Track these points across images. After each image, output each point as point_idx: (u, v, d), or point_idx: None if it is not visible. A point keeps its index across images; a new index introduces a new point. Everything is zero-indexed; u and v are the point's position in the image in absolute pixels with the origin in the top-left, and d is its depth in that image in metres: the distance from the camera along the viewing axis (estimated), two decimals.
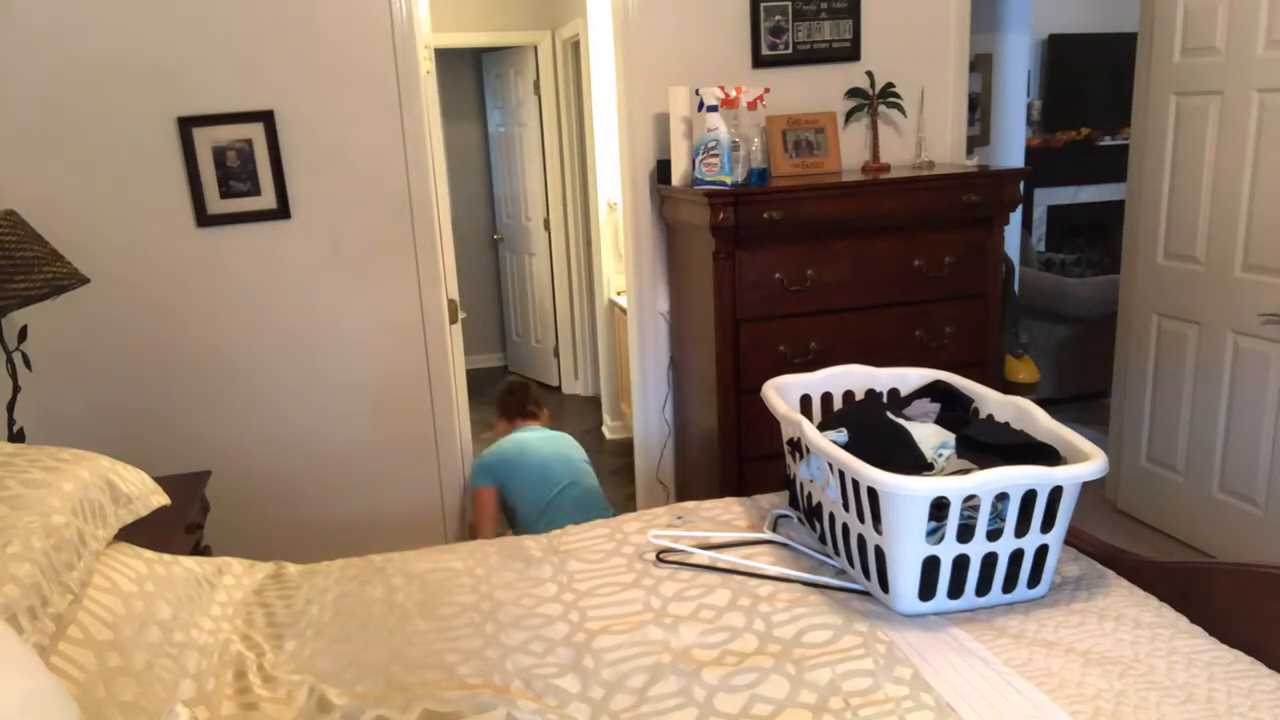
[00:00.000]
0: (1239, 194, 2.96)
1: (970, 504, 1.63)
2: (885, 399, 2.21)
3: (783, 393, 2.14)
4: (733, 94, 2.81)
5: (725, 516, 2.13)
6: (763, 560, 1.90)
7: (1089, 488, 3.67)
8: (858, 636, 1.61)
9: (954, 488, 1.57)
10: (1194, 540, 3.27)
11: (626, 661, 1.57)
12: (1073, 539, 1.95)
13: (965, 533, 1.63)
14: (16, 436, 2.41)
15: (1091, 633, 1.58)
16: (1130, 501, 3.54)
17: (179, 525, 2.19)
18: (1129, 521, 3.52)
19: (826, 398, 2.27)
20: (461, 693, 1.47)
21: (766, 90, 2.90)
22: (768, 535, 2.00)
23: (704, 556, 1.92)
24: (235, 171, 2.89)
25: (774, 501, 2.19)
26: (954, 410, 2.06)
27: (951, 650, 1.56)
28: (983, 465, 1.72)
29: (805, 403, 2.23)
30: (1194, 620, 1.63)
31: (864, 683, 1.47)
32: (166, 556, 1.79)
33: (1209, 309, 3.12)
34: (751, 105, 2.87)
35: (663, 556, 1.93)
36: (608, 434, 5.01)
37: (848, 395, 2.25)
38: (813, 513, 1.95)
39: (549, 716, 1.42)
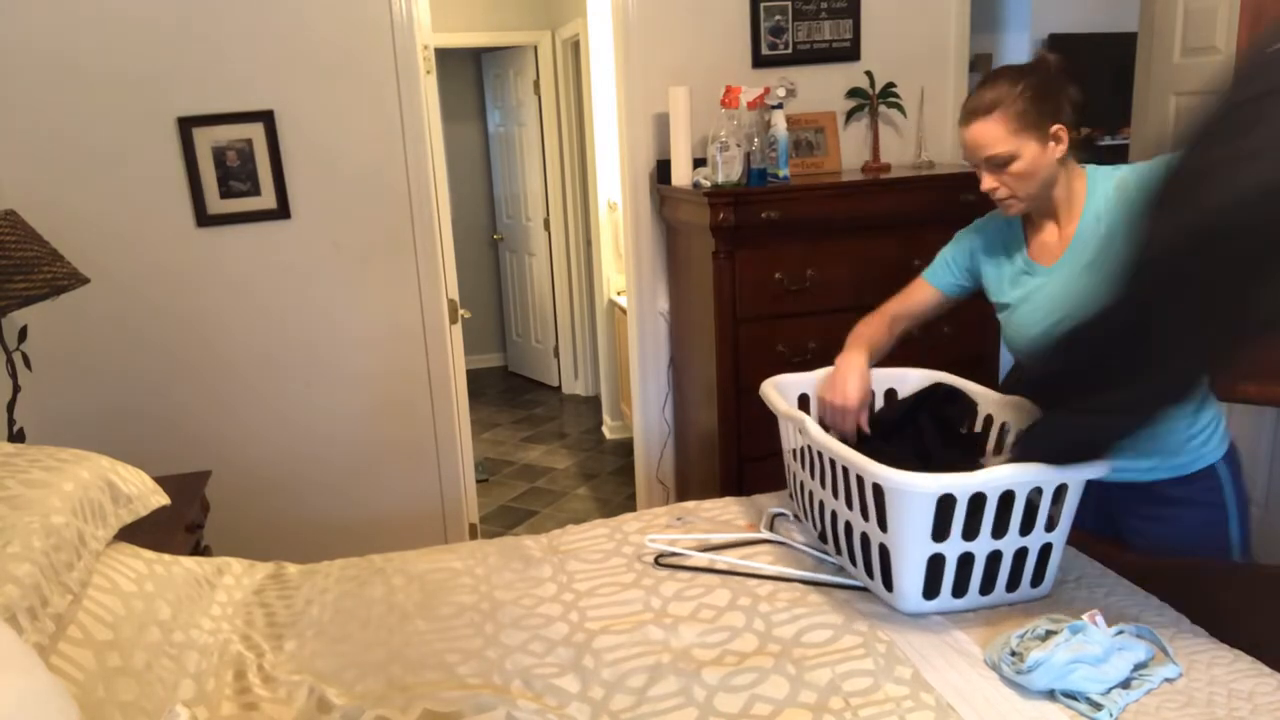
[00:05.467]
0: None
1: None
2: (883, 399, 2.21)
3: (781, 392, 2.14)
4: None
5: (725, 516, 2.13)
6: (762, 560, 1.90)
7: None
8: (858, 636, 1.61)
9: (960, 485, 1.57)
10: None
11: (626, 661, 1.57)
12: (1073, 539, 1.95)
13: (968, 531, 1.63)
14: (16, 436, 2.41)
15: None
16: None
17: (179, 525, 2.19)
18: None
19: None
20: (461, 693, 1.47)
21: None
22: (766, 535, 2.00)
23: (702, 559, 1.92)
24: (235, 171, 2.89)
25: (773, 501, 2.19)
26: (956, 405, 2.04)
27: (952, 650, 1.56)
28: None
29: (803, 402, 2.23)
30: (1194, 620, 1.63)
31: (864, 683, 1.47)
32: (166, 556, 1.79)
33: None
34: (752, 105, 2.87)
35: (661, 561, 1.93)
36: (608, 434, 5.01)
37: None
38: (813, 511, 1.95)
39: (549, 716, 1.41)
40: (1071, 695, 1.40)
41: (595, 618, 1.72)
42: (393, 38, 2.92)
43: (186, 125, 2.83)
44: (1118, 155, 4.24)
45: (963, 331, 3.02)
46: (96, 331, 2.90)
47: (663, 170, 3.20)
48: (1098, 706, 1.37)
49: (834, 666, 1.52)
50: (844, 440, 1.81)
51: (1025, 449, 1.64)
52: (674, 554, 1.94)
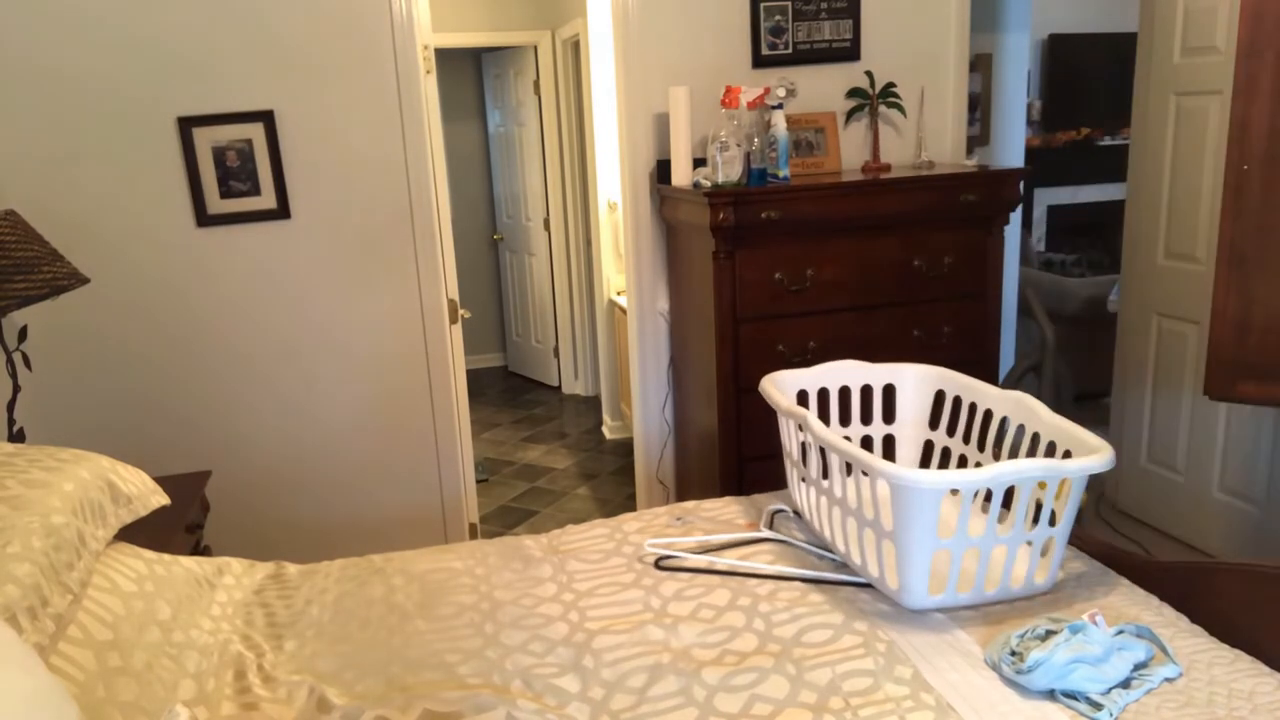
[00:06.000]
0: None
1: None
2: (880, 394, 2.21)
3: (780, 388, 2.14)
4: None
5: (725, 516, 2.13)
6: (762, 559, 1.90)
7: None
8: (858, 636, 1.61)
9: (966, 480, 1.57)
10: (1194, 540, 3.27)
11: (626, 661, 1.57)
12: (1073, 539, 1.95)
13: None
14: (16, 436, 2.41)
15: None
16: (1130, 501, 3.54)
17: (179, 525, 2.19)
18: (1129, 521, 3.52)
19: (823, 393, 2.27)
20: (461, 693, 1.47)
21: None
22: (765, 534, 2.00)
23: (703, 561, 1.92)
24: (235, 171, 2.89)
25: (773, 500, 2.19)
26: None
27: (952, 650, 1.56)
28: None
29: (802, 398, 2.23)
30: (1194, 620, 1.63)
31: (864, 682, 1.47)
32: (166, 556, 1.79)
33: (1209, 309, 3.12)
34: (751, 105, 2.87)
35: (661, 565, 1.93)
36: (608, 434, 5.01)
37: (844, 391, 2.25)
38: (814, 508, 1.95)
39: (549, 716, 1.41)
40: (1071, 695, 1.40)
41: (595, 618, 1.72)
42: (393, 38, 2.92)
43: (186, 125, 2.83)
44: (1118, 155, 4.24)
45: (963, 332, 3.02)
46: (96, 331, 2.90)
47: (663, 170, 3.20)
48: (1098, 706, 1.37)
49: (834, 666, 1.52)
50: None
51: None
52: (672, 557, 1.93)
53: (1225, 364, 2.38)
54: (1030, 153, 5.33)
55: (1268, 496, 2.97)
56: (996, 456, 1.94)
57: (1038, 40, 6.05)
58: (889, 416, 2.25)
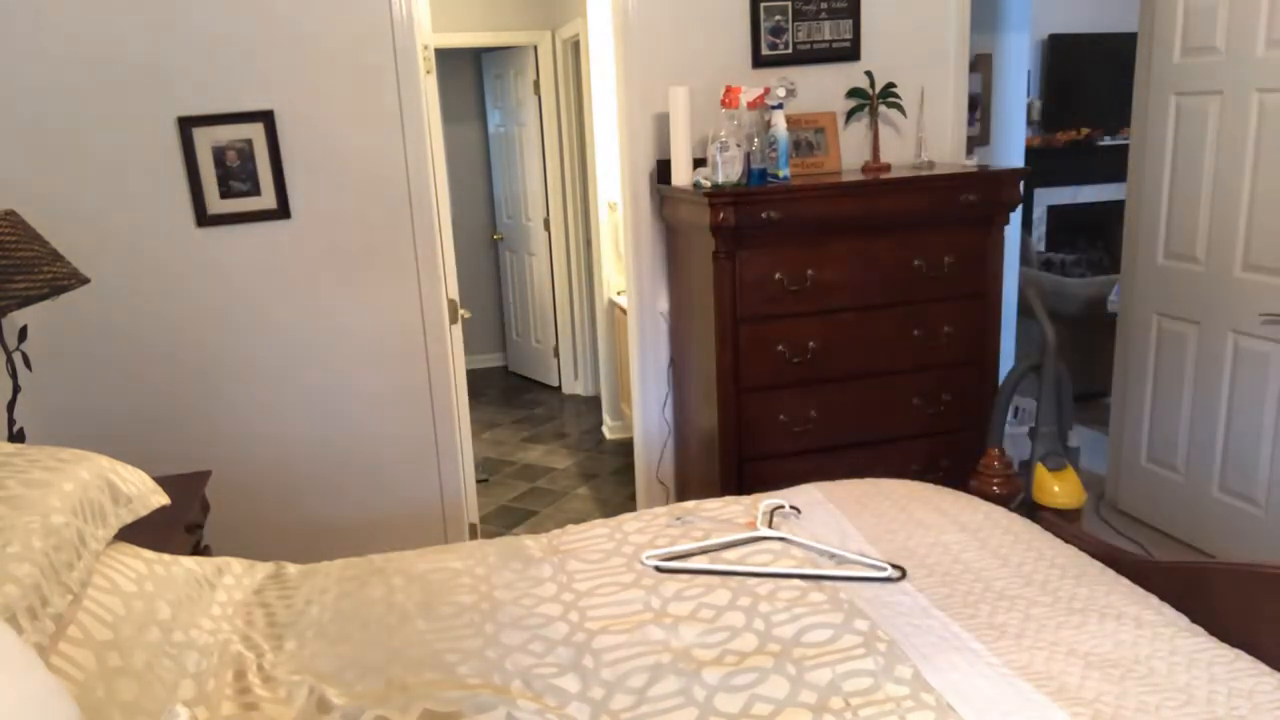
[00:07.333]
0: (1239, 194, 2.96)
1: None
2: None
3: None
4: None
5: (725, 515, 2.13)
6: (762, 558, 1.90)
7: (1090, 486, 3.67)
8: (858, 636, 1.61)
9: None
10: (1194, 540, 3.27)
11: (626, 661, 1.57)
12: (1073, 539, 1.95)
13: None
14: (16, 436, 2.41)
15: (1093, 633, 1.58)
16: (1130, 501, 3.54)
17: (179, 525, 2.19)
18: (1129, 521, 3.52)
19: None
20: (461, 693, 1.47)
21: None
22: (765, 533, 2.00)
23: (702, 561, 1.91)
24: (235, 171, 2.89)
25: (773, 500, 2.19)
26: None
27: (952, 650, 1.56)
28: None
29: None
30: (1194, 620, 1.63)
31: (864, 682, 1.47)
32: (166, 556, 1.79)
33: (1209, 309, 3.12)
34: (752, 105, 2.87)
35: (661, 569, 1.92)
36: (608, 434, 5.01)
37: None
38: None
39: (549, 716, 1.41)
40: None
41: (595, 618, 1.72)
42: (393, 38, 2.92)
43: (186, 125, 2.83)
44: (1118, 155, 4.24)
45: (963, 332, 3.02)
46: (96, 331, 2.90)
47: (663, 170, 3.20)
48: None
49: (834, 666, 1.52)
50: None
51: None
52: (674, 570, 1.92)
53: None
54: (1030, 153, 5.33)
55: (1268, 496, 2.97)
56: None
57: (1038, 40, 6.05)
58: None
